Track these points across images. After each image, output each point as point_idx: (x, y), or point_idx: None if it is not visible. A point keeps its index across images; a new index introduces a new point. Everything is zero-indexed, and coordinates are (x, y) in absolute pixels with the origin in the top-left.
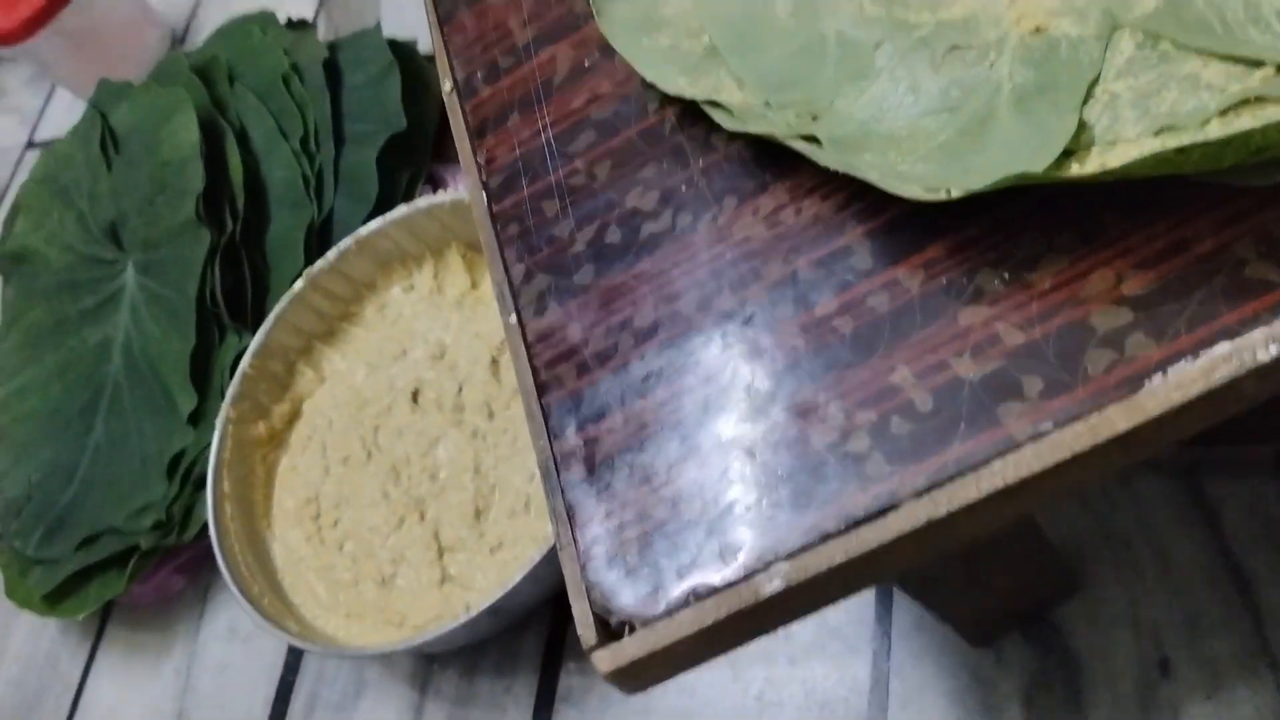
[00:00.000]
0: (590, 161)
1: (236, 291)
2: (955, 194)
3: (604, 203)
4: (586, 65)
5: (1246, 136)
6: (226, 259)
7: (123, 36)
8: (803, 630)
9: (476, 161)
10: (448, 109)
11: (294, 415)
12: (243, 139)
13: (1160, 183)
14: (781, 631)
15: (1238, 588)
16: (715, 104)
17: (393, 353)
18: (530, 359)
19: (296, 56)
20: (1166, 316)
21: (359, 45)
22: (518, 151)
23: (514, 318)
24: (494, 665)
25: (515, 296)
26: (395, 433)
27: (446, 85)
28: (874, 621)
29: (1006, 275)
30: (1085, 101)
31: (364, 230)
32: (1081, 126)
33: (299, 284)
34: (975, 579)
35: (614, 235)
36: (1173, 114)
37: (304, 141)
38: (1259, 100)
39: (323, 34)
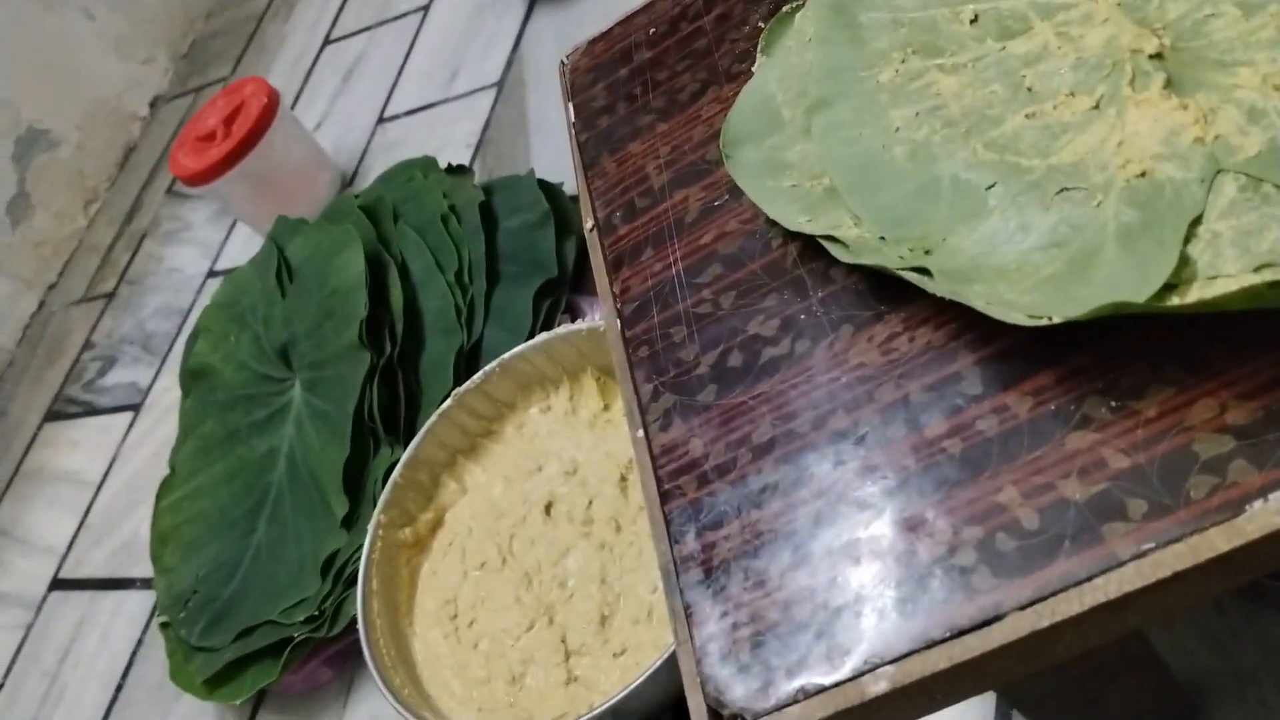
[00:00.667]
0: (716, 292)
1: (392, 408)
2: (1057, 320)
3: (728, 329)
4: (716, 205)
5: None
6: (384, 379)
7: (298, 179)
8: None
9: (613, 291)
10: (589, 245)
11: (437, 523)
12: (403, 271)
13: (1263, 316)
14: None
15: None
16: (833, 239)
17: (529, 468)
18: (655, 470)
19: (454, 198)
20: (1269, 445)
21: (514, 189)
22: (650, 283)
23: (641, 432)
24: None
25: (643, 413)
26: (528, 542)
27: (589, 224)
28: None
29: (1113, 403)
30: (1188, 240)
31: (507, 355)
32: (1184, 262)
33: (447, 403)
34: (1090, 702)
35: (735, 359)
36: (1274, 251)
37: (458, 275)
38: None
39: (478, 177)
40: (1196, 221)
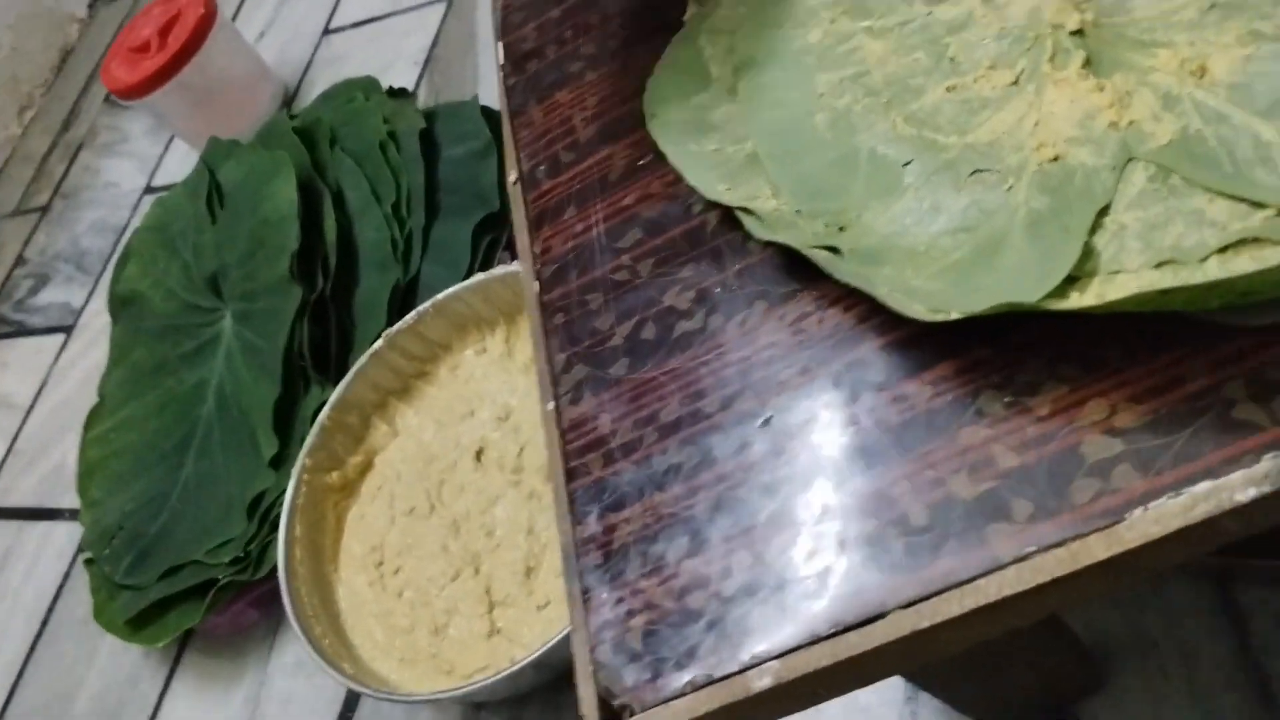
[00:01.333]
0: (635, 258)
1: (323, 346)
2: (955, 316)
3: (644, 299)
4: (640, 164)
5: (1231, 282)
6: (316, 315)
7: (238, 94)
8: (831, 707)
9: (533, 251)
10: (510, 199)
11: (367, 466)
12: (339, 201)
13: (1161, 317)
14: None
15: (1261, 697)
16: (748, 211)
17: (461, 412)
18: (563, 446)
19: (395, 124)
20: (1154, 451)
21: (457, 117)
22: (570, 244)
23: (552, 405)
24: (538, 716)
25: (555, 385)
26: (458, 489)
27: (512, 176)
28: (902, 703)
29: (1008, 399)
30: (1095, 230)
31: (442, 295)
32: (1089, 253)
33: (378, 343)
34: (994, 672)
35: (650, 331)
36: (1176, 248)
37: (396, 206)
38: (1257, 241)
39: (424, 99)
40: (1105, 211)
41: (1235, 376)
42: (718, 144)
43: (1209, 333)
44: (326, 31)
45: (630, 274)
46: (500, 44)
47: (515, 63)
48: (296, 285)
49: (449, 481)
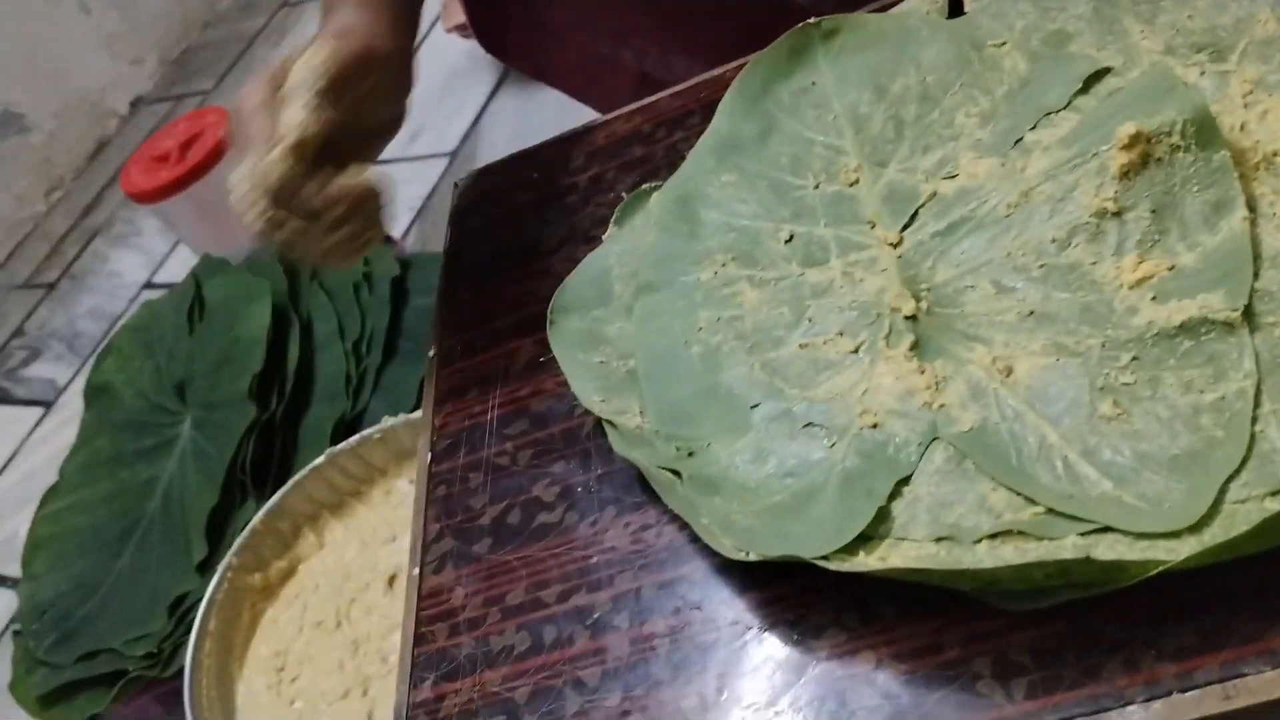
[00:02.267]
0: (518, 447)
1: (265, 463)
2: (754, 558)
3: (516, 486)
4: (541, 361)
5: (993, 572)
6: (264, 433)
7: None
8: None
9: (433, 423)
10: (426, 371)
11: (289, 573)
12: (306, 331)
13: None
14: None
15: None
16: (613, 425)
17: (385, 536)
18: (417, 611)
19: (373, 266)
20: (903, 710)
21: (431, 268)
22: (466, 423)
23: (416, 571)
24: None
25: (423, 552)
26: (365, 610)
27: (431, 350)
28: None
29: (795, 637)
30: (894, 497)
31: (388, 423)
32: (884, 518)
33: (320, 458)
34: None
35: (515, 516)
36: (955, 526)
37: (357, 344)
38: (1021, 534)
39: (410, 245)
40: (906, 481)
41: (985, 653)
42: (604, 357)
43: (972, 607)
44: None
45: (510, 460)
46: (449, 228)
47: (458, 247)
48: (252, 404)
49: (359, 601)
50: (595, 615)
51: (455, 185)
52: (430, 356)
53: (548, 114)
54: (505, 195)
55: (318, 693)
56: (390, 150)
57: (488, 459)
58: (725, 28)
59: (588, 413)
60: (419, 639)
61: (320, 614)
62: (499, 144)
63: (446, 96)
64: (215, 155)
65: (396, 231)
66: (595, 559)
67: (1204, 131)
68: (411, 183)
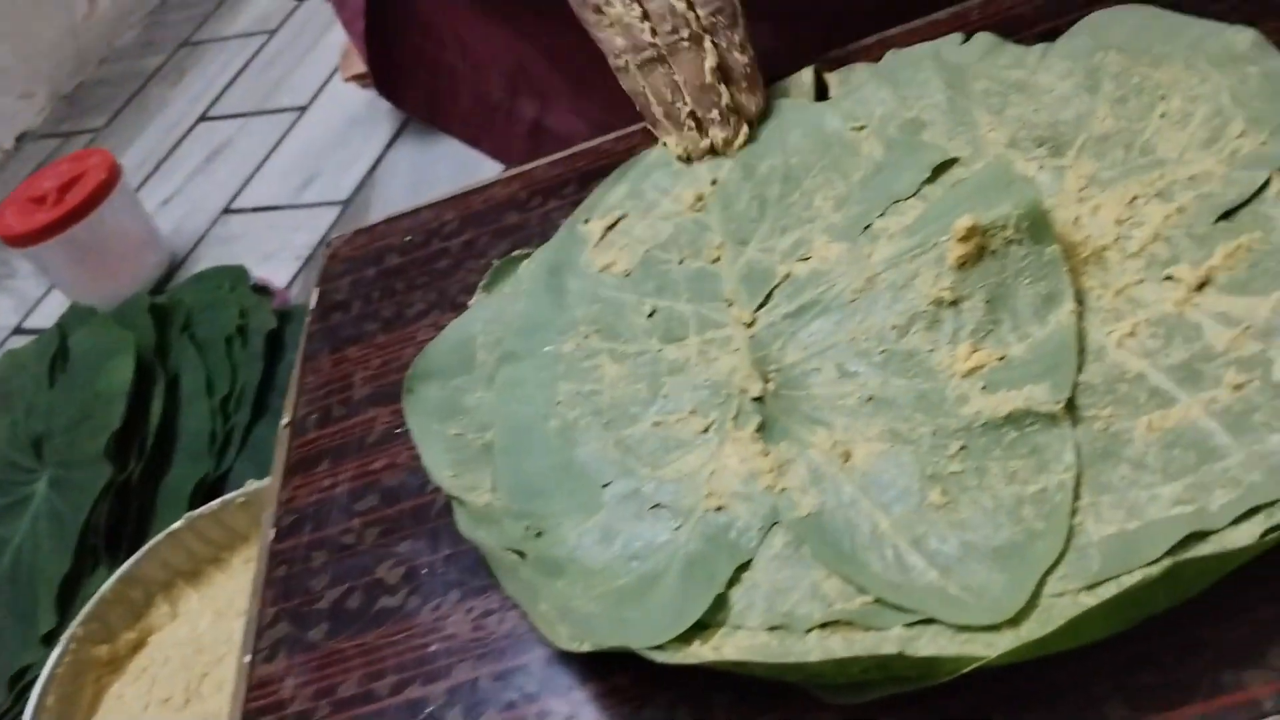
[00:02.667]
0: (365, 524)
1: (120, 526)
2: (588, 649)
3: (359, 567)
4: (397, 432)
5: (819, 666)
6: (121, 495)
7: (122, 259)
8: None
9: (280, 498)
10: (278, 441)
11: (139, 644)
12: (173, 386)
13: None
14: None
15: None
16: (461, 502)
17: (241, 606)
18: (245, 703)
19: (250, 319)
20: None
21: None
22: (315, 498)
23: (248, 658)
24: None
25: (257, 638)
26: (217, 685)
27: (285, 419)
28: None
29: None
30: (734, 583)
31: (253, 486)
32: (723, 604)
33: (178, 524)
34: None
35: (355, 600)
36: (789, 614)
37: (225, 401)
38: (849, 625)
39: (296, 295)
40: (746, 566)
41: None
42: (461, 428)
43: (803, 701)
44: (227, 210)
45: (356, 539)
46: (316, 289)
47: (323, 311)
48: (109, 464)
49: (211, 676)
50: (428, 709)
51: (327, 245)
52: (283, 425)
53: (443, 166)
54: (377, 257)
55: None
56: (280, 196)
57: (333, 537)
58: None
59: (439, 489)
60: None
61: (169, 689)
62: (393, 195)
63: (343, 145)
64: (96, 197)
65: (281, 280)
66: (434, 647)
67: (1036, 226)
68: (300, 230)
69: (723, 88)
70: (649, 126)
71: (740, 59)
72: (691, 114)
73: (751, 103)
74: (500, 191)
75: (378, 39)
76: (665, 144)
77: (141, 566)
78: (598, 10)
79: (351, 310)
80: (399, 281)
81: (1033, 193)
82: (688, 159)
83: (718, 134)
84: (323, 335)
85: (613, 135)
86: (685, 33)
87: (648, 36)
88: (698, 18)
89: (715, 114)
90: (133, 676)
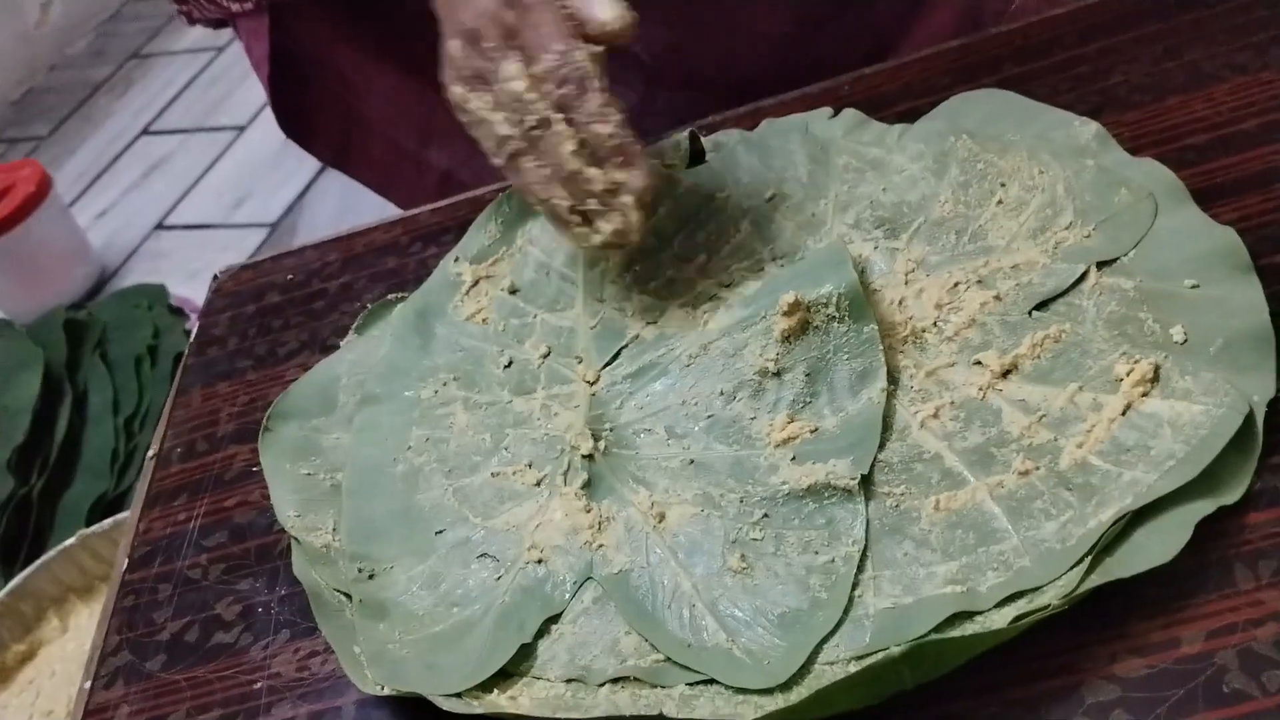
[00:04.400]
0: (211, 560)
1: (18, 540)
2: (387, 693)
3: (200, 602)
4: (254, 470)
5: None
6: (20, 509)
7: (51, 270)
8: None
9: (137, 528)
10: (143, 472)
11: (28, 656)
12: (80, 403)
13: None
14: None
15: None
16: (299, 543)
17: None
18: None
19: (162, 340)
20: None
21: None
22: (169, 531)
23: (88, 685)
24: None
25: (99, 665)
26: None
27: (151, 451)
28: None
29: None
30: (543, 634)
31: None
32: (529, 654)
33: (71, 540)
34: None
35: (193, 634)
36: (586, 668)
37: (130, 420)
38: (638, 681)
39: None
40: (556, 619)
41: None
42: (313, 469)
43: None
44: (160, 226)
45: (202, 574)
46: (197, 323)
47: (201, 344)
48: (11, 477)
49: None
50: None
51: (215, 276)
52: (149, 457)
53: (371, 196)
54: (258, 294)
55: None
56: (213, 215)
57: (180, 571)
58: None
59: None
60: None
61: (51, 703)
62: (320, 220)
63: (276, 167)
64: (24, 210)
65: (202, 301)
66: (259, 684)
67: (855, 305)
68: (229, 250)
69: (592, 171)
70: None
71: (603, 130)
72: (572, 208)
73: (633, 177)
74: (381, 236)
75: (285, 82)
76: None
77: (34, 580)
78: (463, 110)
79: (228, 346)
80: (276, 320)
81: (852, 275)
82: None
83: (605, 226)
84: (198, 369)
85: (496, 185)
86: (532, 120)
87: (505, 129)
88: (541, 96)
89: (593, 203)
90: (19, 688)
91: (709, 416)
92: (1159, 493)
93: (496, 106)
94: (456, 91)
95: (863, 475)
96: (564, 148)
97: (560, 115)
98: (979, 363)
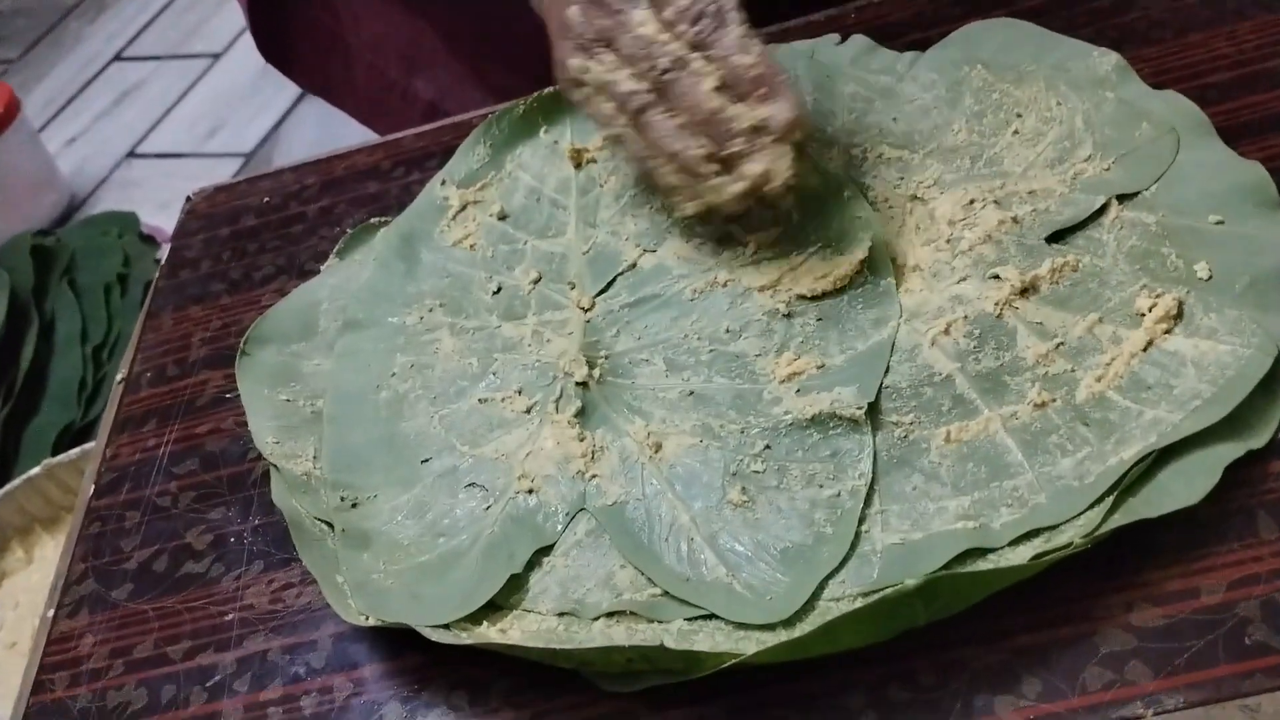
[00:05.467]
0: (181, 487)
1: None
2: (372, 623)
3: (169, 530)
4: (227, 397)
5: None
6: None
7: (17, 196)
8: None
9: (104, 453)
10: (110, 397)
11: None
12: (47, 331)
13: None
14: None
15: None
16: (278, 469)
17: None
18: (42, 657)
19: (132, 267)
20: None
21: None
22: (137, 457)
23: (51, 613)
24: None
25: (62, 593)
26: None
27: (121, 373)
28: None
29: (404, 712)
30: (534, 566)
31: None
32: (519, 586)
33: (36, 470)
34: None
35: (161, 563)
36: (580, 602)
37: (99, 349)
38: (634, 615)
39: None
40: (548, 550)
41: None
42: (292, 395)
43: (578, 692)
44: (131, 154)
45: (171, 502)
46: (169, 244)
47: (172, 267)
48: None
49: None
50: (217, 677)
51: (188, 198)
52: (117, 380)
53: (352, 124)
54: (233, 216)
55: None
56: (185, 144)
57: (149, 498)
58: (517, 63)
59: (259, 457)
60: (37, 686)
61: (16, 634)
62: (297, 149)
63: (252, 95)
64: None
65: (170, 230)
66: (230, 616)
67: (876, 260)
68: (200, 179)
69: (736, 108)
70: (672, 205)
71: (744, 61)
72: (710, 155)
73: (780, 109)
74: (363, 159)
75: (264, 4)
76: (687, 209)
77: None
78: (579, 84)
79: (200, 269)
80: (251, 243)
81: (877, 228)
82: (733, 216)
83: (752, 168)
84: (170, 291)
85: (483, 110)
86: (666, 62)
87: (630, 85)
88: (674, 36)
89: (737, 144)
90: None
91: (711, 351)
92: (1184, 432)
93: (621, 63)
94: (575, 63)
95: (869, 404)
96: (703, 85)
97: (696, 54)
98: (996, 276)
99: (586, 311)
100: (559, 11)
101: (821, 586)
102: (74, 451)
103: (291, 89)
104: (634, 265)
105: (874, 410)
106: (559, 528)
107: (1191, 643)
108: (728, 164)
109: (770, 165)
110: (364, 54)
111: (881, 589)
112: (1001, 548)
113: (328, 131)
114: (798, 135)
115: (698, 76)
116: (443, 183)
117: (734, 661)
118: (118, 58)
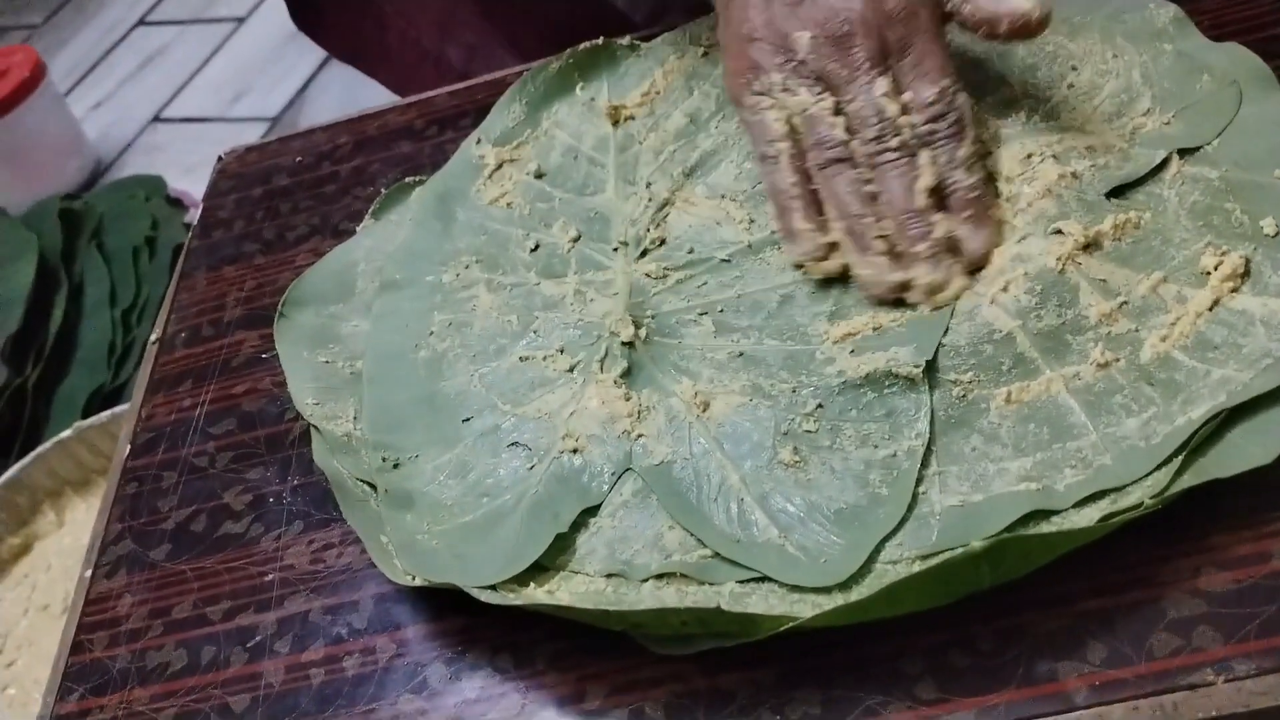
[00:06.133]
0: (219, 447)
1: (12, 432)
2: (418, 583)
3: (207, 490)
4: (263, 357)
5: (661, 614)
6: (15, 400)
7: (44, 160)
8: None
9: (140, 414)
10: (145, 357)
11: (24, 550)
12: (76, 294)
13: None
14: None
15: None
16: (319, 431)
17: None
18: (80, 618)
19: (161, 231)
20: None
21: None
22: (173, 417)
23: (89, 573)
24: None
25: (100, 553)
26: None
27: (155, 334)
28: None
29: (449, 675)
30: (580, 527)
31: None
32: (566, 547)
33: (67, 432)
34: None
35: (200, 524)
36: (628, 563)
37: (127, 313)
38: (684, 577)
39: None
40: (594, 511)
41: (624, 705)
42: (331, 356)
43: (625, 655)
44: (156, 119)
45: (209, 462)
46: (201, 206)
47: (205, 227)
48: (4, 367)
49: None
50: (257, 637)
51: (219, 158)
52: (151, 341)
53: (377, 89)
54: (265, 176)
55: (32, 680)
56: (210, 109)
57: (186, 458)
58: (549, 25)
59: (298, 417)
60: (76, 647)
61: (48, 597)
62: (322, 114)
63: (277, 60)
64: (17, 96)
65: (199, 194)
66: (271, 577)
67: None
68: (226, 144)
69: (938, 216)
70: (784, 236)
71: (965, 180)
72: (884, 238)
73: (975, 240)
74: (396, 118)
75: None
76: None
77: (28, 473)
78: (761, 92)
79: (234, 229)
80: (284, 203)
81: None
82: (874, 292)
83: (923, 274)
84: (203, 252)
85: (517, 67)
86: (894, 141)
87: (839, 133)
88: (912, 125)
89: (923, 247)
90: (14, 581)
91: (764, 314)
92: (1255, 391)
93: (835, 109)
94: (775, 79)
95: (926, 362)
96: (921, 182)
97: (925, 149)
98: (1059, 231)
99: (631, 271)
100: (765, 19)
101: (878, 549)
102: (104, 414)
103: (316, 54)
104: (679, 227)
105: (931, 369)
106: (605, 488)
107: (1264, 608)
108: (897, 255)
109: (942, 279)
110: (397, 21)
111: (942, 552)
112: (1066, 509)
113: (352, 97)
114: (980, 265)
115: (918, 170)
116: (478, 141)
117: (790, 625)
118: (141, 22)
